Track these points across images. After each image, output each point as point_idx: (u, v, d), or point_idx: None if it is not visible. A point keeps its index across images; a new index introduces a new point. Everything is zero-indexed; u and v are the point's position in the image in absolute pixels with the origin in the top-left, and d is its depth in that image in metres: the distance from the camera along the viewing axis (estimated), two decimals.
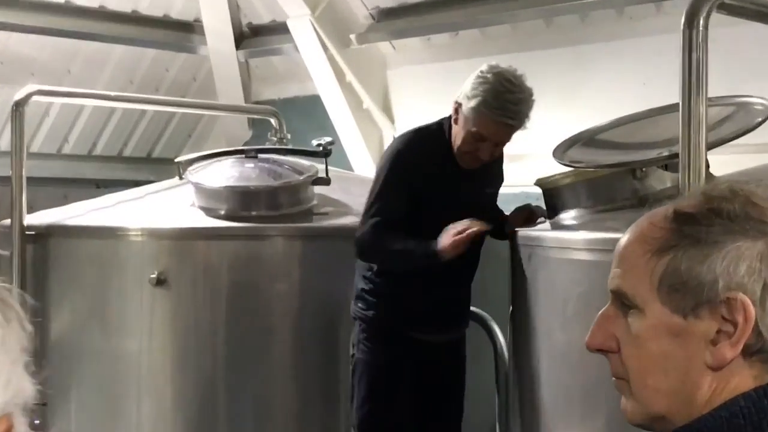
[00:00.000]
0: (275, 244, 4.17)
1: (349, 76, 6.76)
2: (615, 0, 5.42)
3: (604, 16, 5.65)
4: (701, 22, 2.28)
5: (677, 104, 2.57)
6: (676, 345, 1.18)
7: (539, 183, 3.24)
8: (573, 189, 3.07)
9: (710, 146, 2.41)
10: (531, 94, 3.11)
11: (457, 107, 3.20)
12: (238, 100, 7.52)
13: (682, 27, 2.30)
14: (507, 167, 6.37)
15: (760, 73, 4.83)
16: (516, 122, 3.11)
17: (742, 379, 1.17)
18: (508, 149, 6.29)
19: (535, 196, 6.29)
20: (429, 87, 6.55)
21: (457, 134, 3.21)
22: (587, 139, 2.93)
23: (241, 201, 4.23)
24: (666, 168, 2.81)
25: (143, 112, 7.70)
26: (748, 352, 1.16)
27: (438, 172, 3.26)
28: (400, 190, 3.22)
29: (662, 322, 1.18)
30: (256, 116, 6.18)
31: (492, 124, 3.13)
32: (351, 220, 4.26)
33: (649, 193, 2.93)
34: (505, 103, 3.10)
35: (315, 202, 4.37)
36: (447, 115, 3.39)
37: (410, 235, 3.25)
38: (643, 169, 2.84)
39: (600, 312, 1.24)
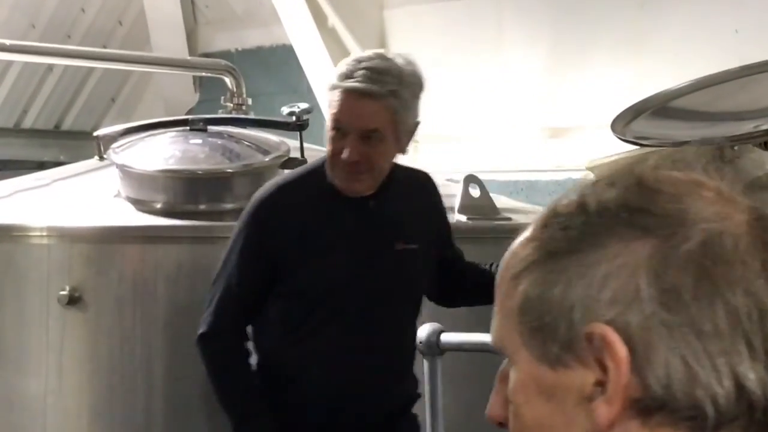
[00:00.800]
0: None
1: (333, 19, 6.77)
2: None
3: None
4: None
5: None
6: (550, 408, 1.08)
7: (593, 167, 3.25)
8: None
9: None
10: (407, 66, 3.17)
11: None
12: (181, 52, 7.53)
13: None
14: (547, 144, 6.47)
15: None
16: (374, 87, 3.14)
17: None
18: (547, 121, 6.35)
19: None
20: (442, 34, 6.56)
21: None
22: (657, 108, 2.95)
23: (185, 190, 4.25)
24: (766, 146, 2.83)
25: (49, 67, 7.70)
26: (641, 410, 1.04)
27: (316, 226, 3.34)
28: (255, 266, 3.32)
29: (530, 376, 1.09)
30: (204, 74, 6.20)
31: (344, 99, 3.17)
32: None
33: (742, 180, 2.94)
34: (357, 67, 3.16)
35: None
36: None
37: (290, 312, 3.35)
38: (734, 147, 2.86)
39: (499, 370, 1.16)
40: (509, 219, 4.50)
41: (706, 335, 1.03)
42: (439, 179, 5.34)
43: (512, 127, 6.36)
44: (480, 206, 4.45)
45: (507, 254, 1.13)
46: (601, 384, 1.05)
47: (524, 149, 6.39)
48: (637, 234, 1.05)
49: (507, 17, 6.38)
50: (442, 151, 6.65)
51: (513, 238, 1.14)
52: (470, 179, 4.50)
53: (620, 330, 1.03)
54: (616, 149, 5.62)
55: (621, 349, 1.03)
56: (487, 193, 4.52)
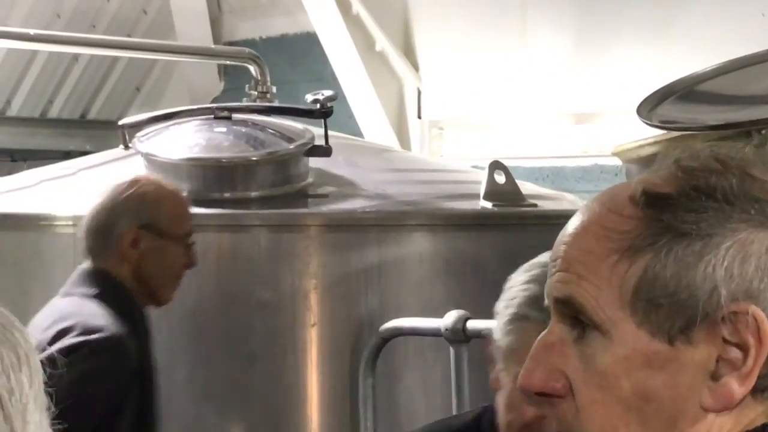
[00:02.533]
0: (256, 238, 4.19)
1: (357, 7, 6.75)
2: None
3: None
4: None
5: None
6: (660, 382, 1.13)
7: (619, 153, 3.24)
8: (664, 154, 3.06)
9: None
10: None
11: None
12: (205, 40, 7.53)
13: None
14: (572, 130, 6.44)
15: None
16: None
17: (754, 423, 1.13)
18: (572, 107, 6.32)
19: (613, 171, 6.33)
20: (466, 18, 6.53)
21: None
22: (685, 91, 2.93)
23: (210, 178, 4.25)
24: None
25: (75, 57, 7.71)
26: (758, 387, 1.13)
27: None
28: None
29: (638, 350, 1.14)
30: (229, 62, 6.20)
31: None
32: (360, 203, 4.28)
33: None
34: None
35: (311, 179, 4.39)
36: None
37: None
38: (762, 131, 2.83)
39: (539, 338, 1.19)
40: (535, 205, 4.49)
41: None
42: (464, 165, 5.34)
43: (537, 113, 6.33)
44: (506, 192, 4.44)
45: (590, 225, 1.18)
46: (722, 360, 1.13)
47: (549, 135, 6.36)
48: (765, 222, 1.15)
49: (531, 2, 6.35)
50: (467, 137, 6.63)
51: (566, 216, 1.23)
52: (495, 165, 4.48)
53: (762, 307, 1.13)
54: (642, 134, 5.58)
55: (767, 328, 1.12)
56: (513, 180, 4.50)
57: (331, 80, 6.95)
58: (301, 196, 4.33)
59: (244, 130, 4.45)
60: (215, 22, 7.78)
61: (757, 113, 2.77)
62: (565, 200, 4.85)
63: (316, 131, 4.47)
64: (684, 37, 5.75)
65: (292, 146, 4.36)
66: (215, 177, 4.27)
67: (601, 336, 1.15)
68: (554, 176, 6.24)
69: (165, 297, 3.43)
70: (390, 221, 4.22)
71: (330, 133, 4.39)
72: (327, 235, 4.22)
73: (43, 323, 3.28)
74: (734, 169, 1.16)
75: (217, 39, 7.73)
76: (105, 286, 3.31)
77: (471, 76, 6.51)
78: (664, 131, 2.92)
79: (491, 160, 4.52)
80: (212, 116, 4.51)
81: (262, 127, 4.49)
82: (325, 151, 4.33)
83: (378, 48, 6.84)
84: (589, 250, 1.17)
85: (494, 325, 2.16)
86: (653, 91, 2.98)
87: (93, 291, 3.29)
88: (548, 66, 6.24)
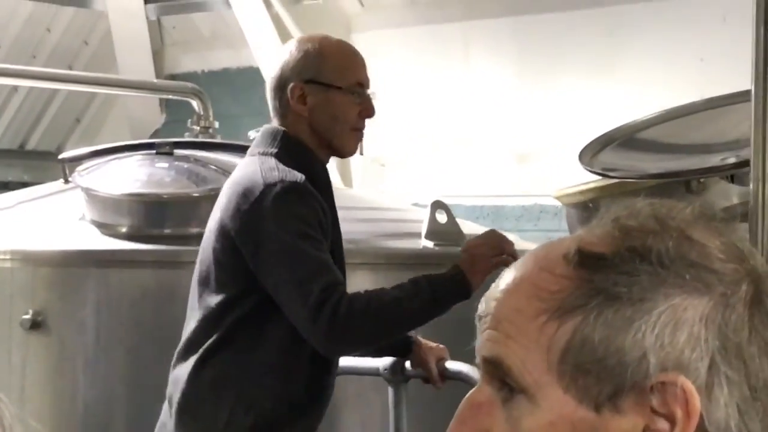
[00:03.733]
0: None
1: None
2: None
3: None
4: None
5: (745, 92, 2.61)
6: None
7: (560, 197, 3.26)
8: (604, 206, 3.10)
9: None
10: None
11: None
12: (147, 72, 7.50)
13: None
14: (514, 169, 6.48)
15: None
16: None
17: None
18: (514, 146, 6.37)
19: (553, 211, 6.38)
20: (409, 59, 6.58)
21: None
22: (625, 138, 2.97)
23: (151, 214, 4.24)
24: (732, 179, 2.85)
25: (14, 88, 7.66)
26: None
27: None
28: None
29: (564, 416, 1.10)
30: (171, 97, 6.19)
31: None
32: None
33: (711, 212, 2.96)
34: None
35: None
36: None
37: None
38: (701, 180, 2.88)
39: (466, 396, 1.15)
40: None
41: (757, 389, 1.11)
42: (404, 204, 5.36)
43: (479, 152, 6.37)
44: (447, 232, 4.44)
45: (521, 283, 1.15)
46: (649, 431, 1.09)
47: (491, 174, 6.40)
48: (702, 289, 1.11)
49: (474, 43, 6.41)
50: (409, 175, 6.66)
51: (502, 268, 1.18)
52: (437, 205, 4.50)
53: (692, 378, 1.08)
54: (582, 175, 5.64)
55: (697, 401, 1.08)
56: (454, 219, 4.51)
57: None
58: None
59: (186, 165, 4.44)
60: (157, 55, 7.76)
61: (696, 163, 2.81)
62: None
63: None
64: (625, 79, 5.83)
65: None
66: (156, 213, 4.25)
67: (528, 400, 1.11)
68: (494, 215, 6.29)
69: (345, 148, 3.30)
70: None
71: None
72: None
73: (226, 184, 3.30)
74: (672, 230, 1.13)
75: (159, 71, 7.71)
76: (283, 143, 3.24)
77: (414, 114, 6.55)
78: (606, 178, 2.96)
79: (432, 198, 4.53)
80: (154, 151, 4.50)
81: (204, 163, 4.48)
82: None
83: None
84: (519, 308, 1.13)
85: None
86: (595, 138, 3.02)
87: (272, 150, 3.23)
88: (490, 106, 6.29)
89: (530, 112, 6.18)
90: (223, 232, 3.21)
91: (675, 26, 5.58)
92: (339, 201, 4.92)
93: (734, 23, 5.37)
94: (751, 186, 2.41)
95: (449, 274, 3.16)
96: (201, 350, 3.19)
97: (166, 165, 4.43)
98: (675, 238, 1.12)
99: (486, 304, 1.17)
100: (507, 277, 1.16)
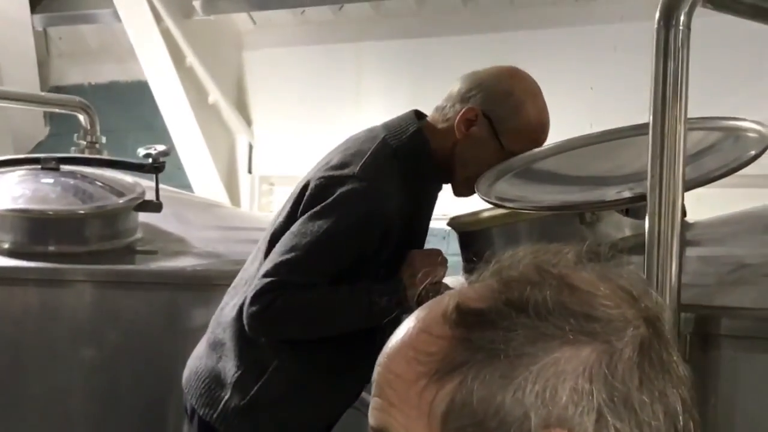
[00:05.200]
0: (81, 293, 4.10)
1: (191, 59, 6.71)
2: None
3: None
4: (682, 19, 2.33)
5: (643, 126, 2.63)
6: None
7: (453, 224, 3.26)
8: (500, 234, 3.11)
9: (690, 185, 2.46)
10: None
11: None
12: (32, 84, 7.38)
13: (656, 24, 2.36)
14: None
15: (742, 81, 4.99)
16: None
17: None
18: None
19: (441, 235, 6.38)
20: (301, 78, 6.56)
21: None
22: (522, 169, 2.98)
23: (34, 231, 4.15)
24: (627, 213, 2.87)
25: None
26: None
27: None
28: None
29: None
30: (58, 110, 6.08)
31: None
32: (189, 261, 4.21)
33: (600, 243, 2.98)
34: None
35: (139, 235, 4.32)
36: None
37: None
38: (594, 212, 2.90)
39: None
40: None
41: None
42: None
43: None
44: None
45: (401, 346, 1.10)
46: None
47: None
48: (584, 339, 1.06)
49: (366, 64, 6.41)
50: None
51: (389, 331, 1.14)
52: None
53: None
54: (474, 205, 5.67)
55: None
56: None
57: (161, 130, 6.88)
58: (129, 252, 4.25)
59: (72, 182, 4.36)
60: (43, 66, 7.64)
61: (591, 195, 2.83)
62: None
63: (145, 183, 4.41)
64: None
65: (121, 200, 4.29)
66: (40, 230, 4.17)
67: None
68: None
69: (459, 189, 3.24)
70: (221, 280, 4.16)
71: (161, 186, 4.32)
72: (155, 293, 4.14)
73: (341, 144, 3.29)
74: (553, 278, 1.09)
75: (44, 83, 7.59)
76: (411, 139, 3.20)
77: (304, 133, 6.52)
78: (502, 207, 2.96)
79: None
80: (39, 166, 4.40)
81: (91, 180, 4.40)
82: (155, 206, 4.27)
83: (211, 101, 6.80)
84: (399, 373, 1.10)
85: None
86: (491, 169, 3.02)
87: (396, 141, 3.21)
88: None
89: None
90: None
91: (566, 54, 5.64)
92: (228, 220, 4.92)
93: (625, 53, 5.45)
94: (647, 222, 2.43)
95: (390, 290, 3.12)
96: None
97: (51, 180, 4.35)
98: (555, 286, 1.08)
99: (375, 368, 1.13)
100: (391, 340, 1.13)
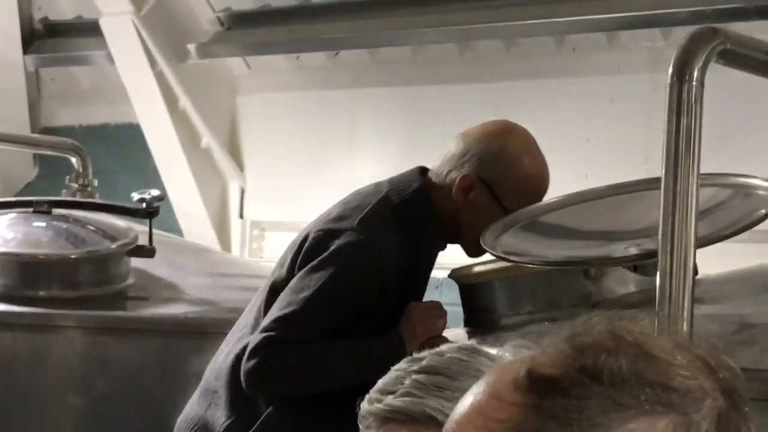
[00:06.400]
0: (71, 339, 4.08)
1: (184, 102, 6.68)
2: (554, 25, 5.52)
3: (537, 45, 5.76)
4: (695, 74, 2.30)
5: (651, 180, 2.59)
6: None
7: (455, 276, 3.23)
8: (502, 287, 3.08)
9: (702, 242, 2.42)
10: None
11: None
12: (22, 125, 7.33)
13: (669, 79, 2.32)
14: None
15: (752, 129, 4.98)
16: None
17: None
18: None
19: (434, 284, 6.32)
20: (295, 123, 6.53)
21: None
22: (528, 221, 2.95)
23: (24, 275, 4.15)
24: (635, 269, 2.84)
25: None
26: None
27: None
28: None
29: None
30: (50, 153, 6.03)
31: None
32: (182, 308, 4.18)
33: (604, 299, 2.95)
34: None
35: (131, 280, 4.31)
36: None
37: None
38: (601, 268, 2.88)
39: None
40: None
41: None
42: None
43: None
44: None
45: (471, 412, 1.08)
46: None
47: None
48: (660, 410, 1.03)
49: (361, 111, 6.39)
50: (290, 240, 6.57)
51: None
52: None
53: None
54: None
55: None
56: None
57: (152, 173, 6.83)
58: (121, 298, 4.25)
59: (64, 225, 4.36)
60: (33, 106, 7.59)
61: (598, 250, 2.80)
62: None
63: (138, 228, 4.39)
64: None
65: (114, 245, 4.28)
66: (31, 274, 4.18)
67: None
68: None
69: (470, 251, 3.21)
70: (213, 328, 4.12)
71: (155, 231, 4.32)
72: (146, 340, 4.11)
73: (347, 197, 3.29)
74: (628, 346, 1.06)
75: (34, 124, 7.54)
76: (414, 196, 3.17)
77: (296, 179, 6.49)
78: (507, 261, 2.93)
79: None
80: (31, 209, 4.39)
81: (84, 224, 4.40)
82: (148, 252, 4.26)
83: (203, 145, 6.77)
84: None
85: None
86: (498, 222, 2.99)
87: (398, 197, 3.18)
88: (376, 175, 6.24)
89: None
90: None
91: (562, 105, 5.63)
92: (220, 266, 4.88)
93: (621, 105, 5.44)
94: (657, 279, 2.38)
95: (389, 345, 3.09)
96: None
97: (43, 224, 4.34)
98: (630, 354, 1.05)
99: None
100: (458, 406, 1.10)
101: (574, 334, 1.08)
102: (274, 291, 3.19)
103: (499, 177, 3.13)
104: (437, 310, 3.18)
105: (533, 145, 3.26)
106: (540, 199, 3.16)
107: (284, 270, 3.21)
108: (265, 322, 3.11)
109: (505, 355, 1.55)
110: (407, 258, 3.15)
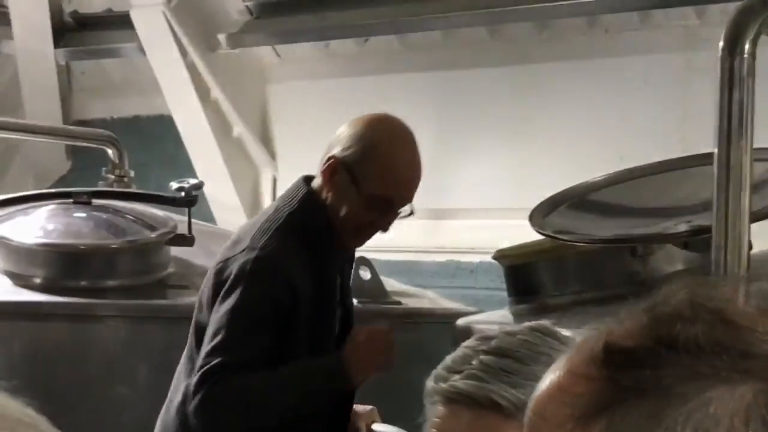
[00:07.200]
0: (113, 328, 4.08)
1: (215, 92, 6.68)
2: (585, 6, 5.48)
3: (569, 26, 5.71)
4: (747, 47, 2.26)
5: (703, 156, 2.56)
6: None
7: (500, 256, 3.20)
8: (547, 267, 3.05)
9: (757, 217, 2.39)
10: None
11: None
12: (55, 118, 7.33)
13: (720, 52, 2.28)
14: (429, 226, 6.41)
15: None
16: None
17: None
18: (429, 202, 6.30)
19: (469, 268, 6.32)
20: (325, 111, 6.51)
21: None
22: (577, 200, 2.91)
23: (67, 265, 4.13)
24: (686, 246, 2.80)
25: None
26: None
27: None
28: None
29: None
30: (85, 144, 6.03)
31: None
32: None
33: (652, 277, 2.92)
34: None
35: (171, 269, 4.29)
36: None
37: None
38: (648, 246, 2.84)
39: None
40: (399, 303, 4.44)
41: None
42: None
43: None
44: (371, 289, 4.39)
45: (549, 388, 1.05)
46: None
47: (405, 229, 6.32)
48: (738, 377, 0.98)
49: (391, 97, 6.35)
50: None
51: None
52: (361, 261, 4.43)
53: None
54: (500, 232, 5.59)
55: None
56: (378, 276, 4.45)
57: (184, 163, 6.83)
58: (161, 287, 4.23)
59: (104, 216, 4.35)
60: (65, 100, 7.60)
61: (647, 227, 2.77)
62: (426, 298, 4.81)
63: (177, 218, 4.38)
64: (542, 138, 5.81)
65: (153, 234, 4.27)
66: (72, 264, 4.16)
67: None
68: (409, 271, 6.20)
69: (345, 241, 3.20)
70: None
71: (193, 220, 4.30)
72: (187, 329, 4.08)
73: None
74: (707, 313, 1.02)
75: (66, 117, 7.54)
76: (302, 202, 3.16)
77: None
78: (554, 239, 2.89)
79: (357, 256, 4.45)
80: (71, 200, 4.38)
81: (123, 214, 4.39)
82: (188, 240, 4.25)
83: (235, 134, 6.76)
84: (546, 416, 1.05)
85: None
86: (546, 198, 2.96)
87: (289, 208, 3.17)
88: None
89: (447, 169, 6.13)
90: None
91: (595, 87, 5.58)
92: None
93: (655, 85, 5.40)
94: (712, 255, 2.35)
95: (332, 371, 3.12)
96: None
97: (83, 215, 4.34)
98: (707, 322, 1.01)
99: (527, 408, 1.08)
100: (543, 381, 1.07)
101: (654, 303, 1.05)
102: (201, 332, 3.20)
103: (359, 160, 3.10)
104: (385, 338, 3.16)
105: (401, 136, 3.25)
106: (404, 190, 3.17)
107: (204, 310, 3.23)
108: (199, 360, 3.12)
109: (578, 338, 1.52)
110: (311, 267, 3.13)
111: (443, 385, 1.64)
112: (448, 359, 1.65)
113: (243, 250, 3.13)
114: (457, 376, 1.63)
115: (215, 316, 3.13)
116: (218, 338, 3.09)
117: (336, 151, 3.14)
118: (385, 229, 3.20)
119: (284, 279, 3.09)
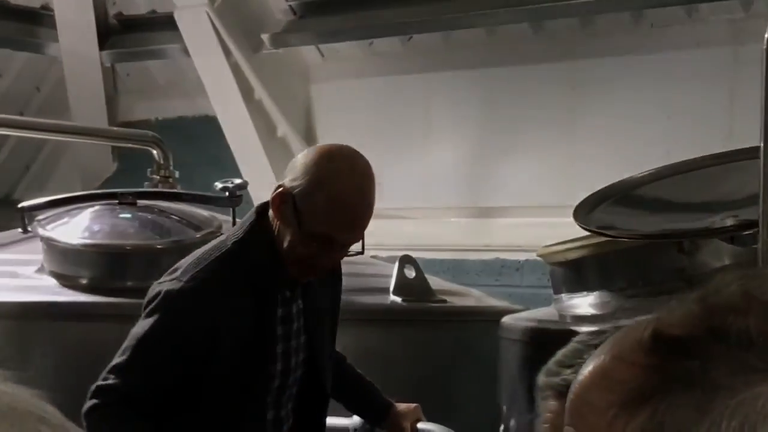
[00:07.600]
0: None
1: (260, 92, 6.69)
2: (631, 1, 5.44)
3: (614, 21, 5.67)
4: None
5: (749, 149, 2.53)
6: None
7: (544, 254, 3.18)
8: (592, 264, 3.03)
9: None
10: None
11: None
12: (100, 120, 7.38)
13: (765, 45, 2.25)
14: (474, 224, 6.39)
15: None
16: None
17: None
18: (475, 201, 6.28)
19: (514, 266, 6.29)
20: (369, 110, 6.51)
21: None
22: (621, 196, 2.89)
23: (113, 266, 4.15)
24: (732, 240, 2.77)
25: None
26: None
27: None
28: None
29: None
30: (130, 145, 6.05)
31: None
32: None
33: (700, 272, 2.89)
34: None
35: None
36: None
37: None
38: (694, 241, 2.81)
39: None
40: (444, 301, 4.41)
41: None
42: (364, 257, 5.25)
43: (440, 206, 6.29)
44: (415, 287, 4.36)
45: (593, 374, 1.04)
46: None
47: (451, 227, 6.31)
48: None
49: (435, 95, 6.35)
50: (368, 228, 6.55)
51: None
52: (405, 260, 4.42)
53: None
54: (545, 230, 5.56)
55: None
56: (423, 275, 4.43)
57: (229, 164, 6.85)
58: None
59: (149, 216, 4.35)
60: (111, 102, 7.65)
61: (692, 222, 2.74)
62: (472, 296, 4.79)
63: (221, 218, 4.38)
64: (587, 136, 5.78)
65: (198, 234, 4.26)
66: (118, 265, 4.17)
67: None
68: (454, 269, 6.18)
69: (291, 273, 3.08)
70: None
71: (238, 220, 4.29)
72: None
73: None
74: (760, 306, 1.00)
75: (112, 119, 7.59)
76: (249, 230, 3.06)
77: (373, 165, 6.45)
78: (600, 236, 2.87)
79: (391, 251, 4.45)
80: (117, 201, 4.39)
81: (168, 214, 4.39)
82: None
83: (279, 134, 6.77)
84: (590, 401, 1.04)
85: None
86: (590, 194, 2.93)
87: (235, 236, 3.08)
88: (452, 160, 6.22)
89: (491, 167, 6.11)
90: None
91: (641, 82, 5.55)
92: None
93: (702, 80, 5.35)
94: (759, 247, 2.31)
95: None
96: None
97: (129, 215, 4.34)
98: (761, 315, 1.00)
99: (568, 395, 1.07)
100: (586, 365, 1.06)
101: (706, 293, 1.03)
102: None
103: (304, 193, 2.96)
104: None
105: (350, 175, 3.06)
106: (346, 231, 3.02)
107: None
108: (103, 372, 3.12)
109: None
110: (252, 299, 3.04)
111: (555, 380, 1.64)
112: (560, 354, 1.64)
113: (174, 279, 3.07)
114: (568, 371, 1.62)
115: (131, 332, 3.11)
116: (121, 359, 3.08)
117: (287, 180, 3.02)
118: (327, 266, 3.08)
119: (201, 316, 3.00)
